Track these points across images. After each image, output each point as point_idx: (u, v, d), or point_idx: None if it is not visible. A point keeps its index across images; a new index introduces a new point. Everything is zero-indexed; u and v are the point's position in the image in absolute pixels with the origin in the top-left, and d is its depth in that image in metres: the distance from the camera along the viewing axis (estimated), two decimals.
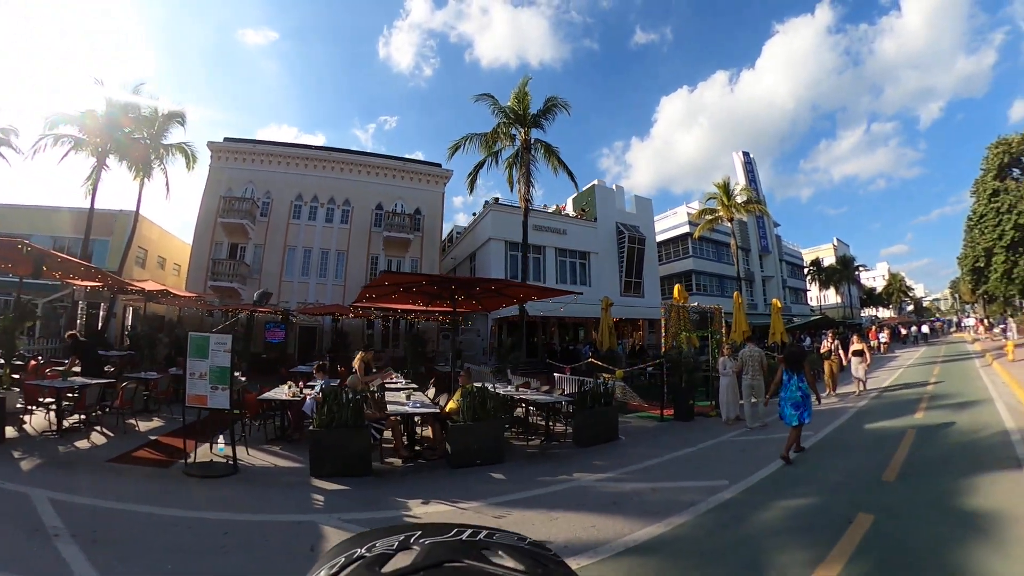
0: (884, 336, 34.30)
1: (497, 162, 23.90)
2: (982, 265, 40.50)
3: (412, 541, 0.85)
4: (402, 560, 0.77)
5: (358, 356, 10.78)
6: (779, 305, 21.56)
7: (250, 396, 10.24)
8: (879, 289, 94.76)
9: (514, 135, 23.36)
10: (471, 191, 25.32)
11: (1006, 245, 36.73)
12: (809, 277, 63.83)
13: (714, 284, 43.55)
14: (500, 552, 0.83)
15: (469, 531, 0.90)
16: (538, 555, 0.85)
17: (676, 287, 16.45)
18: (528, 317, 26.20)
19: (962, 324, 59.21)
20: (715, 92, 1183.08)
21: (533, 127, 23.07)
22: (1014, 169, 38.69)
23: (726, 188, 33.71)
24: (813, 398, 9.13)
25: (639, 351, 26.11)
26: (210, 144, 28.81)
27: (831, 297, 69.86)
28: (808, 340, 29.91)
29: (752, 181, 51.03)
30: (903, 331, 49.86)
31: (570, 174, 23.73)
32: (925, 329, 52.22)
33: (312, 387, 9.93)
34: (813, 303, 68.45)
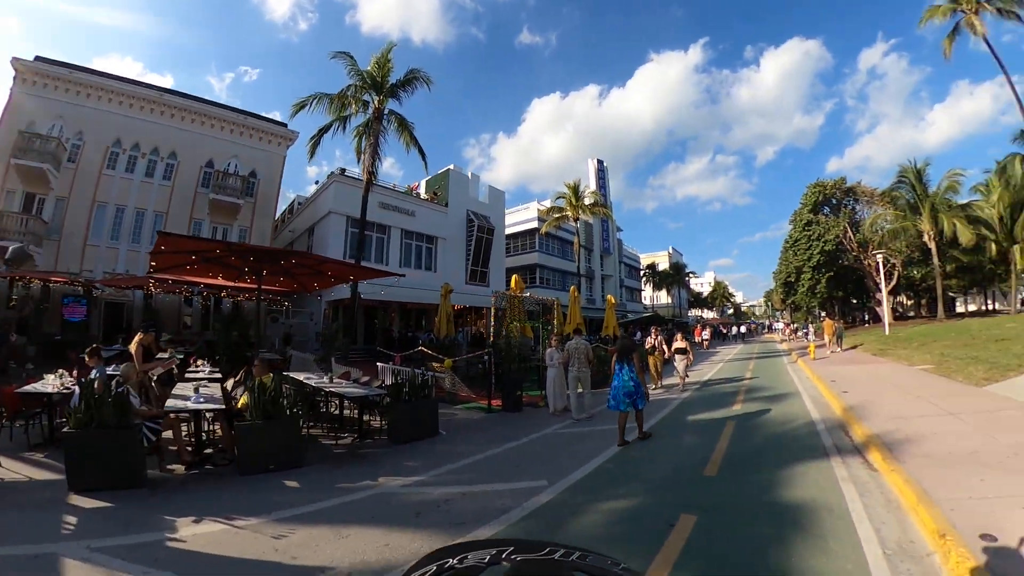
0: (707, 334, 38.03)
1: (345, 129, 22.08)
2: (792, 280, 49.05)
3: (504, 556, 0.85)
4: (492, 574, 0.78)
5: (135, 339, 8.92)
6: (613, 301, 22.71)
7: (7, 390, 8.19)
8: (705, 293, 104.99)
9: (367, 101, 21.51)
10: (311, 156, 22.74)
11: (813, 266, 45.69)
12: (645, 279, 68.86)
13: (557, 279, 45.09)
14: (591, 574, 0.82)
15: (562, 551, 0.89)
16: None
17: (514, 277, 16.34)
18: (365, 301, 25.25)
19: (773, 327, 69.87)
20: (585, 103, 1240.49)
21: (390, 96, 21.44)
22: (825, 207, 47.83)
23: (576, 190, 34.97)
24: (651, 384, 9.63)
25: (481, 340, 26.26)
26: (14, 61, 22.63)
27: (663, 298, 75.66)
28: (639, 334, 32.01)
29: (602, 187, 53.60)
30: (724, 330, 58.06)
31: (421, 152, 22.54)
32: (743, 330, 62.36)
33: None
34: (647, 302, 73.90)
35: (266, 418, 7.12)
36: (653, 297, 76.46)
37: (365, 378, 12.11)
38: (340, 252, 25.13)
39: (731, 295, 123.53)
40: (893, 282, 44.24)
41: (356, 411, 10.00)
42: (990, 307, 59.24)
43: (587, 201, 35.94)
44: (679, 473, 6.76)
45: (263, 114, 30.48)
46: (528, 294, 15.80)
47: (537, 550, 0.90)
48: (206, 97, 30.92)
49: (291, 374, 11.79)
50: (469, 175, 36.08)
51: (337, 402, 10.50)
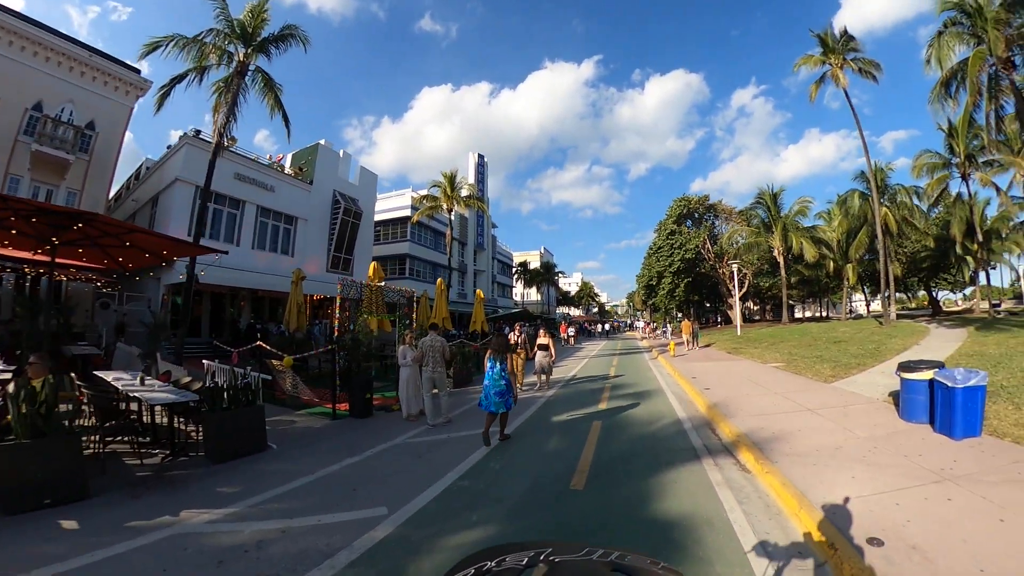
0: (573, 331, 38.63)
1: (202, 81, 18.99)
2: (654, 283, 52.14)
3: (542, 558, 0.85)
4: None
5: None
6: (482, 296, 21.92)
7: None
8: (573, 292, 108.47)
9: (232, 53, 18.78)
10: (158, 108, 18.87)
11: (674, 271, 48.56)
12: (517, 276, 69.41)
13: (428, 270, 43.61)
14: (630, 574, 0.82)
15: (600, 551, 0.89)
16: None
17: (372, 264, 14.73)
18: (209, 287, 22.41)
19: (634, 325, 73.68)
20: (475, 99, 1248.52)
21: (259, 52, 18.71)
22: (688, 220, 51.45)
23: (452, 180, 33.80)
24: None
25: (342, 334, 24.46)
26: None
27: (533, 295, 76.75)
28: (507, 330, 31.62)
29: (480, 182, 53.09)
30: (590, 328, 60.40)
31: (285, 119, 19.95)
32: (607, 327, 66.84)
33: None
34: (518, 298, 74.54)
35: (36, 436, 5.38)
36: (524, 294, 77.47)
37: (187, 379, 10.02)
38: (185, 228, 22.10)
39: (596, 295, 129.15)
40: (744, 289, 48.41)
41: (179, 421, 8.32)
42: (823, 314, 67.22)
43: (463, 193, 34.85)
44: (543, 488, 5.85)
45: (114, 56, 25.28)
46: (384, 283, 14.22)
47: (575, 551, 0.89)
48: (46, 23, 24.30)
49: (107, 373, 9.78)
50: (341, 153, 33.43)
51: (153, 410, 8.37)
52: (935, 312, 44.58)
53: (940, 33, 19.71)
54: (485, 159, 55.90)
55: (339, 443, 8.28)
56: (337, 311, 12.03)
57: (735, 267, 35.70)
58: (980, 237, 33.94)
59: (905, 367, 8.08)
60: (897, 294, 54.67)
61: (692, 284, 50.35)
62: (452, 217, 36.02)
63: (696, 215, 51.91)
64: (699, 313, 69.87)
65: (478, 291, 22.30)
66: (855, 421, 8.05)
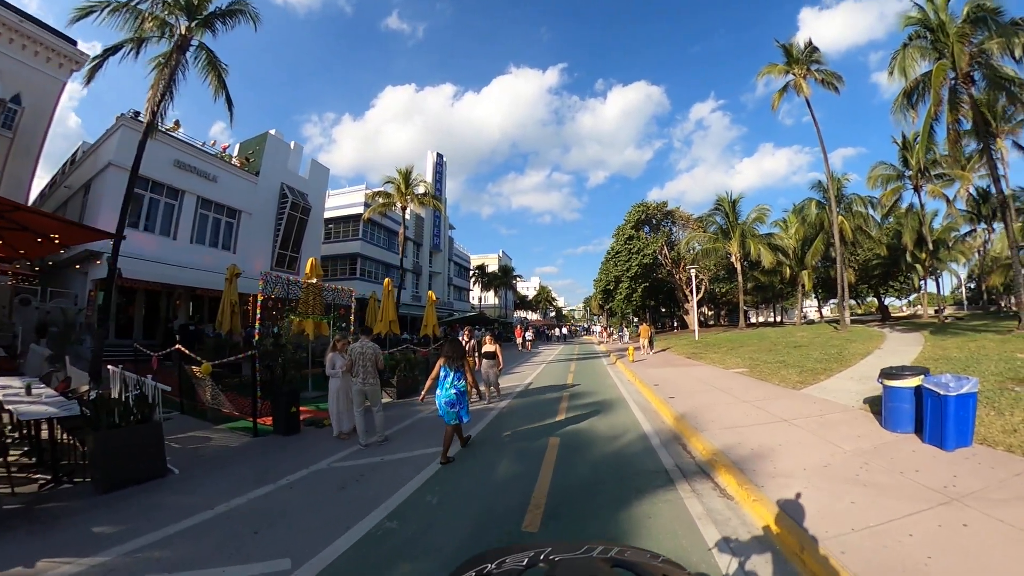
0: (530, 335, 37.50)
1: (138, 54, 17.16)
2: (611, 288, 51.93)
3: (542, 558, 0.84)
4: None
5: None
6: (434, 298, 20.84)
7: None
8: (531, 297, 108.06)
9: (173, 25, 16.93)
10: (88, 81, 17.23)
11: (631, 276, 47.98)
12: (474, 279, 68.29)
13: (380, 271, 41.95)
14: (633, 571, 0.81)
15: (600, 548, 0.89)
16: (669, 572, 0.82)
17: (311, 260, 13.45)
18: (142, 283, 20.73)
19: (591, 330, 74.75)
20: (439, 100, 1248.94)
21: (204, 26, 16.99)
22: (646, 226, 51.54)
23: (407, 176, 32.55)
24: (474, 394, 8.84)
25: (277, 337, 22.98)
26: None
27: (491, 299, 75.81)
28: (461, 333, 30.69)
29: (438, 182, 51.97)
30: (548, 332, 60.03)
31: (229, 102, 18.31)
32: (565, 331, 66.38)
33: None
34: (475, 302, 73.50)
35: None
36: (481, 297, 76.38)
37: (85, 387, 8.77)
38: (115, 216, 20.36)
39: (554, 299, 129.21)
40: (700, 294, 48.65)
41: (68, 439, 7.07)
42: (777, 319, 68.70)
43: (419, 191, 33.59)
44: (488, 530, 4.71)
45: (48, 24, 22.88)
46: (320, 282, 12.86)
47: (575, 549, 0.88)
48: None
49: (11, 378, 8.48)
50: (292, 145, 31.85)
51: (38, 425, 7.13)
52: (884, 317, 45.50)
53: (905, 45, 20.17)
54: (444, 159, 54.74)
55: (252, 467, 7.04)
56: (259, 311, 10.47)
57: (693, 272, 35.62)
58: (930, 246, 34.94)
59: (889, 374, 7.48)
60: (848, 300, 56.70)
61: (649, 289, 50.32)
62: (407, 216, 34.84)
63: (654, 221, 52.02)
64: (655, 318, 70.26)
65: (429, 292, 21.20)
66: (836, 433, 7.38)
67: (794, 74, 27.36)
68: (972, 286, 76.61)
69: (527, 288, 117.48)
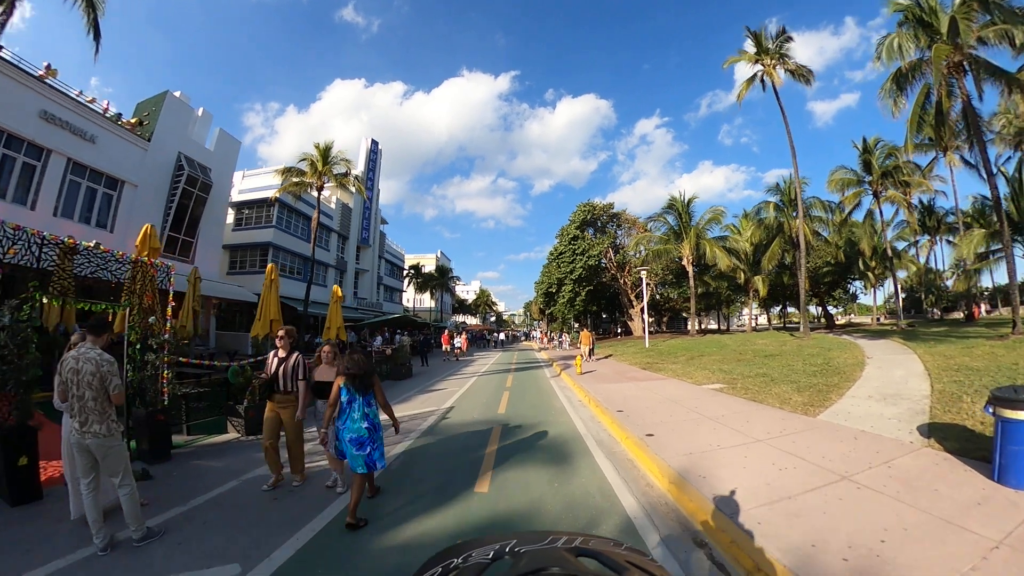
0: (460, 340, 32.82)
1: None
2: (554, 291, 49.08)
3: (507, 550, 0.84)
4: (497, 570, 0.77)
5: None
6: (340, 294, 17.18)
7: None
8: (470, 300, 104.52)
9: None
10: None
11: (575, 278, 45.13)
12: (408, 279, 64.08)
13: (297, 264, 37.10)
14: (597, 560, 0.82)
15: (564, 538, 0.89)
16: (633, 560, 0.83)
17: (145, 227, 9.44)
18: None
19: (531, 335, 71.16)
20: (387, 97, 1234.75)
21: None
22: (591, 228, 48.73)
23: (325, 153, 28.37)
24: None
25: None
26: None
27: (427, 301, 71.61)
28: (380, 340, 26.85)
29: (371, 171, 47.64)
30: (488, 336, 59.00)
31: (96, 30, 14.49)
32: (502, 337, 62.94)
33: None
34: (409, 304, 69.38)
35: None
36: (417, 299, 72.02)
37: None
38: None
39: (494, 303, 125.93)
40: (646, 299, 46.30)
41: None
42: (721, 327, 68.48)
43: (338, 170, 29.23)
44: None
45: None
46: (144, 257, 8.61)
47: (540, 540, 0.88)
48: None
49: None
50: (200, 112, 27.27)
51: None
52: (830, 325, 44.67)
53: (900, 24, 19.57)
54: (380, 146, 50.29)
55: None
56: None
57: (644, 274, 32.85)
58: (890, 253, 33.93)
59: (1008, 400, 4.71)
60: (790, 308, 55.62)
61: (592, 293, 47.78)
62: (331, 203, 30.81)
63: (599, 223, 49.50)
64: (596, 324, 68.01)
65: (335, 288, 17.51)
66: (936, 499, 4.41)
67: (763, 64, 25.34)
68: (904, 296, 78.77)
69: (467, 292, 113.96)
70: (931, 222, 42.79)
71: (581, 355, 20.71)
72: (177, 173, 24.74)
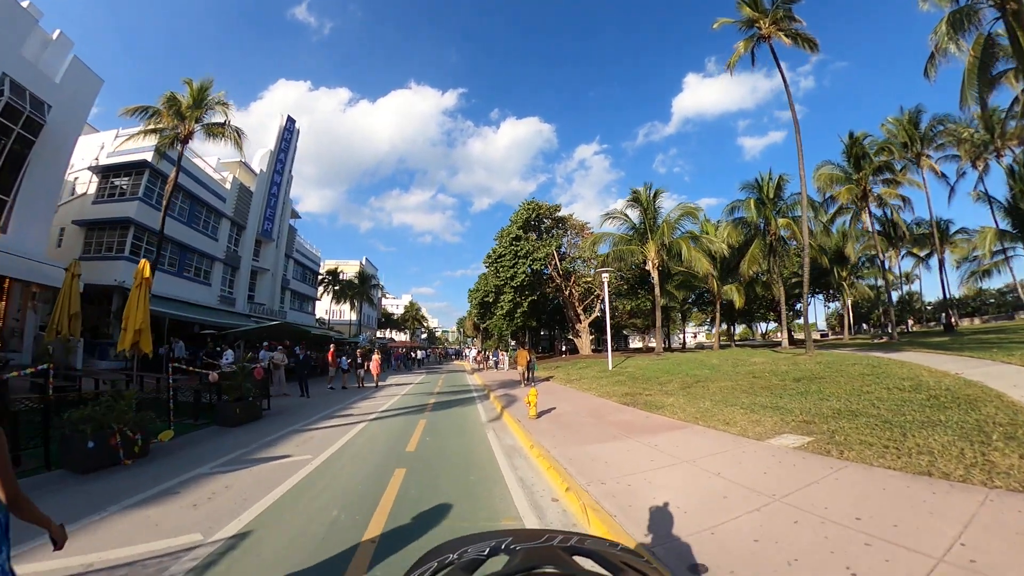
0: (366, 362, 22.79)
1: None
2: (491, 300, 42.42)
3: (503, 547, 0.83)
4: (493, 566, 0.76)
5: None
6: (148, 273, 10.68)
7: None
8: (398, 315, 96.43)
9: None
10: None
11: (516, 286, 38.53)
12: (324, 286, 56.06)
13: (174, 255, 28.97)
14: (592, 559, 0.80)
15: (560, 537, 0.87)
16: (629, 560, 0.81)
17: None
18: None
19: (464, 354, 64.14)
20: (332, 103, 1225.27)
21: None
22: (534, 232, 41.97)
23: (200, 93, 20.65)
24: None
25: None
26: None
27: (348, 314, 63.62)
28: (230, 356, 19.02)
29: (283, 151, 40.30)
30: (412, 355, 50.26)
31: None
32: (421, 355, 55.05)
33: None
34: (327, 316, 61.59)
35: None
36: (336, 311, 63.92)
37: None
38: None
39: (424, 318, 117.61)
40: (592, 315, 40.65)
41: None
42: (667, 345, 61.83)
43: (213, 118, 21.98)
44: None
45: None
46: None
47: (536, 538, 0.87)
48: None
49: None
50: (56, 35, 21.20)
51: None
52: (791, 341, 41.04)
53: None
54: (297, 126, 42.72)
55: None
56: None
57: (606, 278, 25.36)
58: (881, 255, 30.18)
59: None
60: (724, 325, 50.24)
61: (534, 305, 41.58)
62: (221, 176, 23.52)
63: (544, 225, 42.97)
64: (536, 342, 62.05)
65: (141, 264, 10.92)
66: None
67: (759, 27, 20.92)
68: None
69: (398, 306, 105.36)
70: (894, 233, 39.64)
71: (527, 384, 14.97)
72: None
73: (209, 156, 34.12)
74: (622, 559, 0.79)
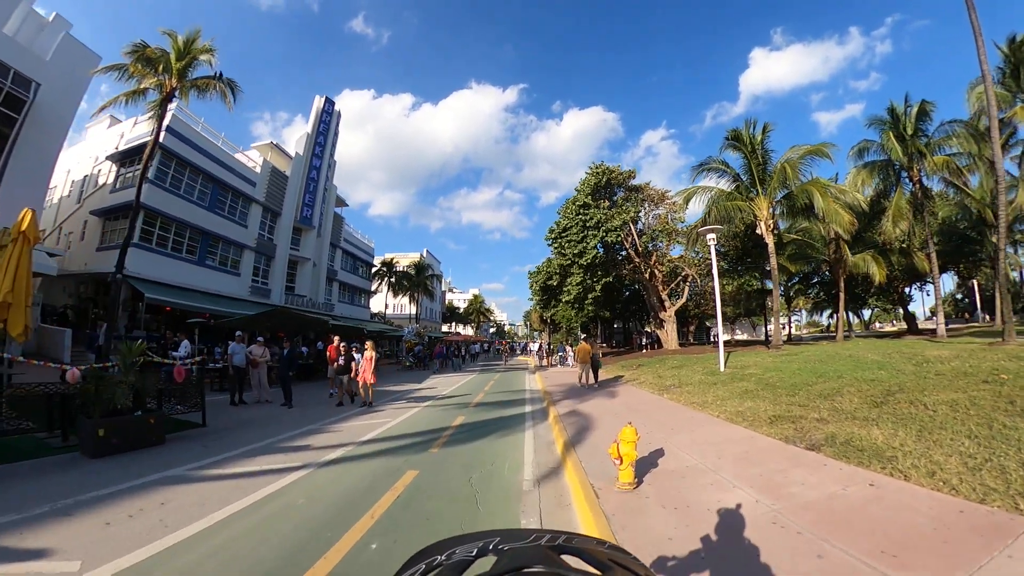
0: (366, 359, 13.99)
1: None
2: (554, 284, 35.32)
3: (491, 548, 0.81)
4: (481, 567, 0.75)
5: None
6: (29, 221, 6.74)
7: None
8: (462, 308, 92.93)
9: None
10: None
11: (585, 264, 30.96)
12: (380, 278, 52.26)
13: (193, 240, 25.98)
14: (580, 557, 0.79)
15: (548, 536, 0.85)
16: (616, 558, 0.79)
17: None
18: None
19: (528, 348, 57.15)
20: (395, 109, 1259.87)
21: None
22: (604, 200, 33.71)
23: (185, 45, 17.07)
24: None
25: None
26: None
27: (407, 306, 59.70)
28: (186, 347, 14.49)
29: (321, 134, 36.71)
30: (464, 352, 44.47)
31: None
32: (480, 347, 53.57)
33: None
34: (378, 308, 57.14)
35: None
36: (397, 305, 60.02)
37: None
38: None
39: (490, 311, 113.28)
40: (683, 299, 34.26)
41: None
42: (758, 336, 51.85)
43: (198, 71, 18.21)
44: None
45: None
46: None
47: (523, 537, 0.84)
48: None
49: None
50: (52, 18, 20.63)
51: None
52: (912, 330, 34.22)
53: None
54: (337, 108, 39.15)
55: None
56: None
57: (713, 237, 17.96)
58: None
59: None
60: (815, 316, 39.73)
61: (608, 290, 34.29)
62: (252, 159, 19.86)
63: (617, 195, 34.77)
64: (609, 334, 56.09)
65: (24, 212, 7.09)
66: None
67: None
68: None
69: (463, 300, 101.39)
70: None
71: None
72: None
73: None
74: (609, 556, 0.77)
